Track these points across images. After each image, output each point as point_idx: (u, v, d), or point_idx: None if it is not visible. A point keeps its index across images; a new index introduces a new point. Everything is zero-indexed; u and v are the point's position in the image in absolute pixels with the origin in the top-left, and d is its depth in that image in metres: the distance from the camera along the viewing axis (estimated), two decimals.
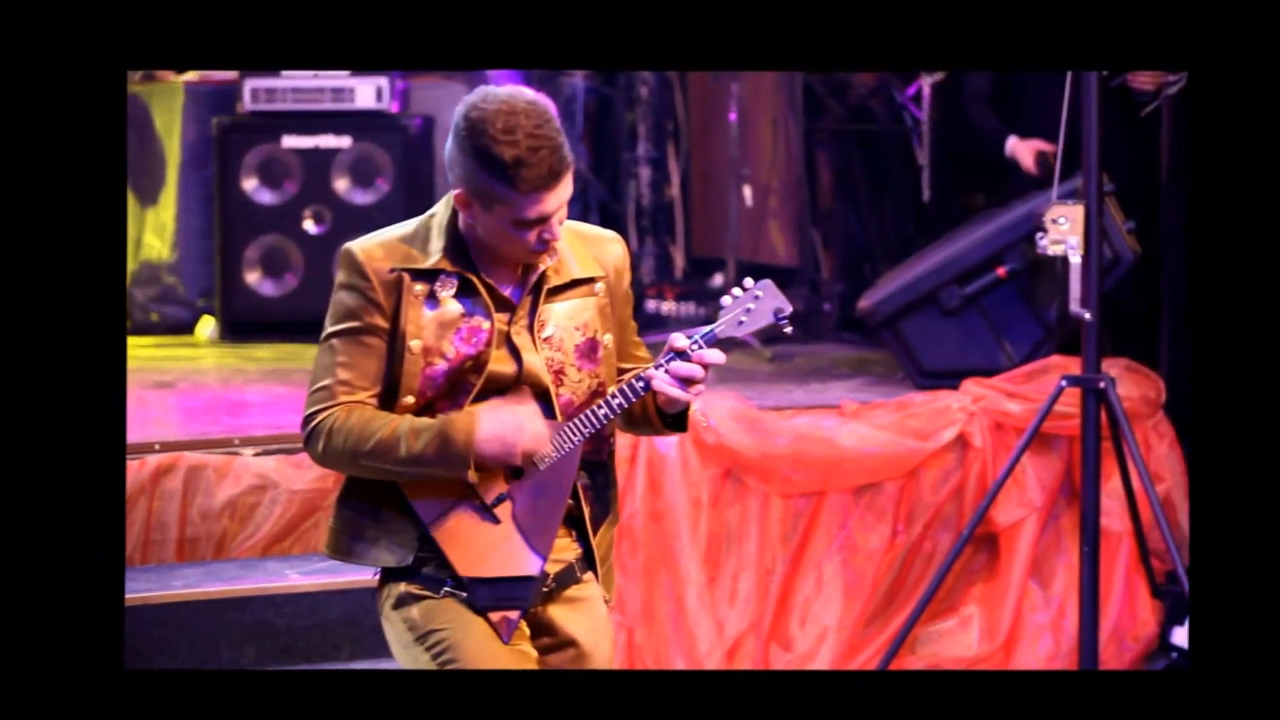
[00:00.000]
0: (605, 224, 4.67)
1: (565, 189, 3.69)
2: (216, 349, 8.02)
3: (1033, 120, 6.90)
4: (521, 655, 3.82)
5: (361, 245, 3.80)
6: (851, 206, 8.32)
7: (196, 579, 5.48)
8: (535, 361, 3.80)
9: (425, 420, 3.75)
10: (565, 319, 3.83)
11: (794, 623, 6.18)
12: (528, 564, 3.81)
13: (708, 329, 3.79)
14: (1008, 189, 7.09)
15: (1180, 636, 6.24)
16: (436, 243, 3.78)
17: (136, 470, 5.66)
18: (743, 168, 8.44)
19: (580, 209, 8.53)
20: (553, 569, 3.86)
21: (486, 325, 3.77)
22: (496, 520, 3.80)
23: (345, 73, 8.04)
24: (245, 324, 8.08)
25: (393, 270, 3.76)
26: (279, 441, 5.89)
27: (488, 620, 3.80)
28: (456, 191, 3.73)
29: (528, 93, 3.69)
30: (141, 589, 5.28)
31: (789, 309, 3.82)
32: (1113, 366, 6.29)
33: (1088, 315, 5.91)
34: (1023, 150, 6.98)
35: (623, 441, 5.66)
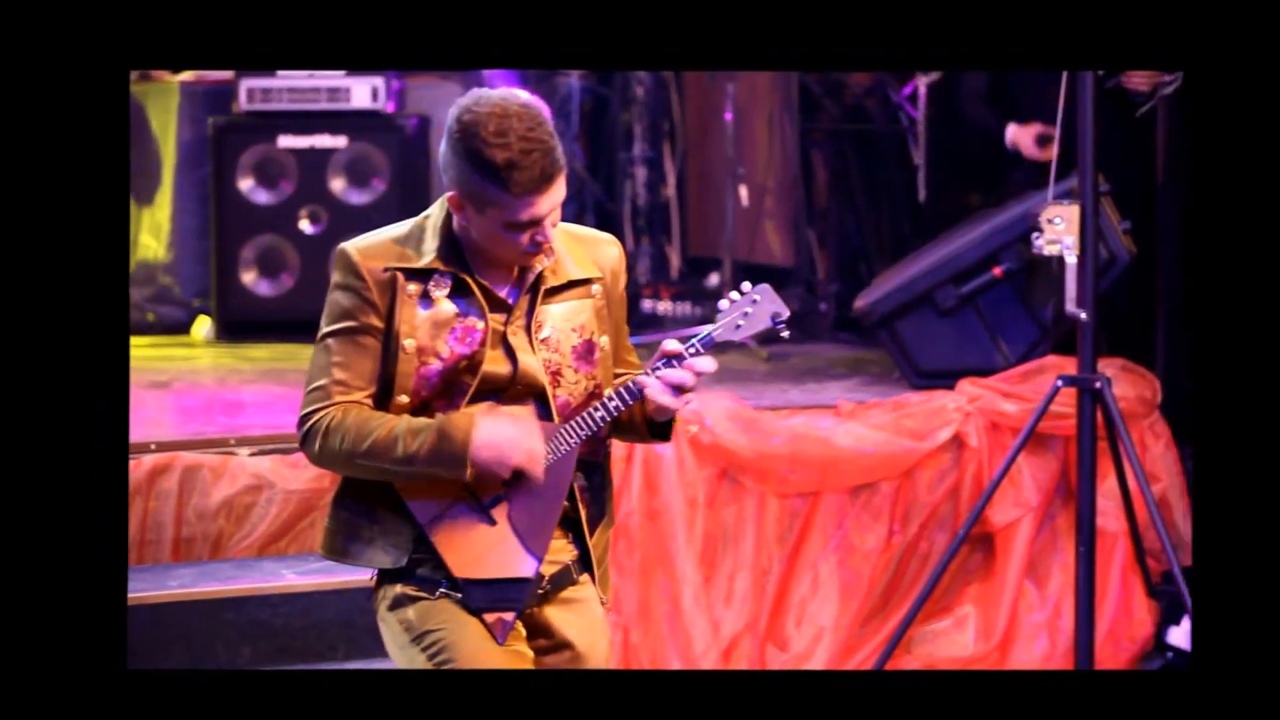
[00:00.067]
0: (601, 224, 4.68)
1: (558, 192, 3.70)
2: (212, 349, 8.01)
3: (1031, 120, 6.90)
4: (517, 656, 3.82)
5: (356, 245, 3.80)
6: (847, 206, 8.32)
7: (192, 579, 5.48)
8: (531, 362, 3.80)
9: (423, 420, 3.75)
10: (562, 320, 3.83)
11: (790, 623, 6.18)
12: (523, 565, 3.80)
13: (705, 333, 3.79)
14: (1004, 189, 7.09)
15: (1176, 636, 6.23)
16: (431, 243, 3.78)
17: (132, 470, 5.65)
18: (738, 167, 8.44)
19: (576, 209, 8.51)
20: (549, 570, 3.86)
21: (481, 325, 3.77)
22: (492, 521, 3.80)
23: (341, 73, 8.03)
24: (241, 324, 8.07)
25: (387, 270, 3.76)
26: (275, 441, 5.89)
27: (483, 621, 3.80)
28: (450, 193, 3.73)
29: (521, 95, 3.69)
30: (137, 589, 5.26)
31: (786, 314, 3.82)
32: (1108, 366, 6.29)
33: (1083, 315, 5.91)
34: (1023, 135, 6.97)
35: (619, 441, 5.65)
